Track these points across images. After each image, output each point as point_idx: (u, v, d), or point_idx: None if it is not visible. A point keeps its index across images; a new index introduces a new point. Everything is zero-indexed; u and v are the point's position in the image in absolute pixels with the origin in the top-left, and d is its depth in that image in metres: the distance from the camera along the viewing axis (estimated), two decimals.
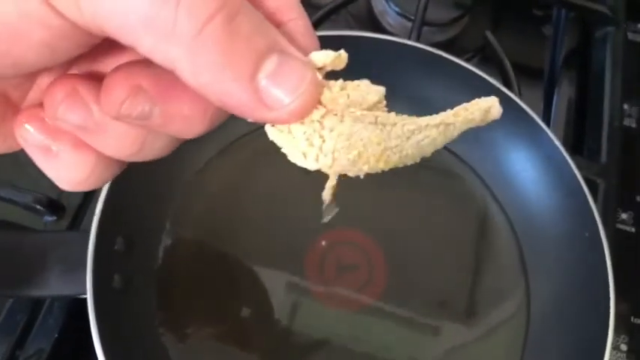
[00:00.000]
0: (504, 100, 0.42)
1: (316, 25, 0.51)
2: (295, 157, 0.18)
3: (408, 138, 0.19)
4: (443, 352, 0.38)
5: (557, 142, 0.39)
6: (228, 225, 0.41)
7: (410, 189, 0.43)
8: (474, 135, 0.44)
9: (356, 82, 0.19)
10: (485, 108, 0.21)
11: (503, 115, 0.43)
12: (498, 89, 0.43)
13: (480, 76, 0.43)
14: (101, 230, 0.35)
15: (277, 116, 0.16)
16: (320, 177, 0.20)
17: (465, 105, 0.20)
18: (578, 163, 0.45)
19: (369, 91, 0.19)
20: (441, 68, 0.44)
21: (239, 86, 0.15)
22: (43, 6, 0.15)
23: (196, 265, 0.39)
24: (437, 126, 0.20)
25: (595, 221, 0.38)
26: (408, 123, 0.19)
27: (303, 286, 0.40)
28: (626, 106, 0.53)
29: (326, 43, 0.43)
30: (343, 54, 0.19)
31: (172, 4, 0.14)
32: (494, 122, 0.41)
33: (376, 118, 0.19)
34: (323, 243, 0.41)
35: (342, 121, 0.18)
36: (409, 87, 0.45)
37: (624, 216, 0.48)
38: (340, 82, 0.19)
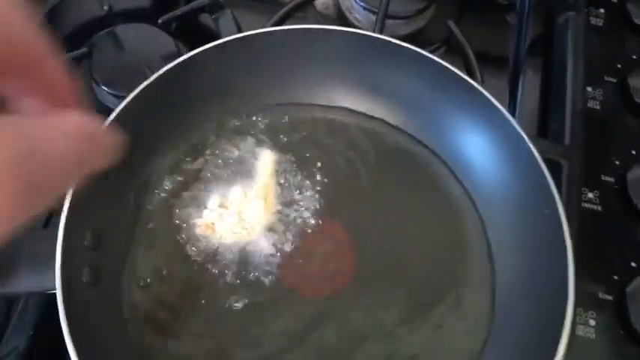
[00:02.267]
0: (467, 88, 0.44)
1: (281, 22, 0.52)
2: None
3: None
4: (411, 334, 0.39)
5: (514, 123, 0.40)
6: None
7: (377, 177, 0.44)
8: (437, 122, 0.46)
9: None
10: None
11: (465, 101, 0.44)
12: (460, 77, 0.44)
13: (443, 66, 0.44)
14: (69, 226, 0.36)
15: None
16: None
17: None
18: (542, 145, 0.46)
19: None
20: (405, 59, 0.45)
21: None
22: None
23: (167, 257, 0.40)
24: None
25: (554, 198, 0.39)
26: None
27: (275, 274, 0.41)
28: (589, 89, 0.54)
29: (292, 37, 0.44)
30: None
31: None
32: (457, 108, 0.43)
33: None
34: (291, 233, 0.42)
35: None
36: (375, 78, 0.46)
37: (590, 195, 0.49)
38: None
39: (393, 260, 0.41)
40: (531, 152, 0.39)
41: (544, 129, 0.53)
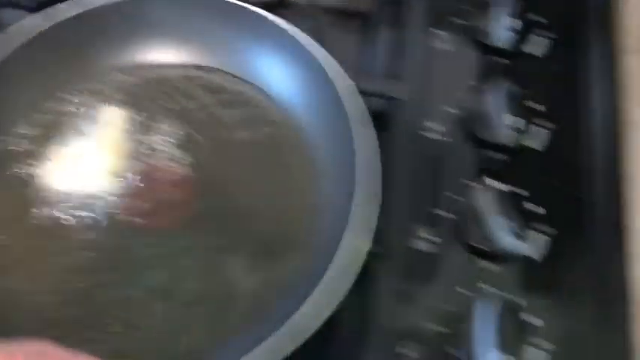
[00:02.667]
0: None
1: None
2: None
3: None
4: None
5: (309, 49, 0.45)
6: None
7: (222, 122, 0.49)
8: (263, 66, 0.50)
9: None
10: None
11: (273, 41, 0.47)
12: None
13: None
14: None
15: None
16: None
17: None
18: (381, 84, 0.51)
19: None
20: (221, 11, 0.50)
21: None
22: None
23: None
24: None
25: (349, 125, 0.43)
26: None
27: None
28: (439, 31, 0.58)
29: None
30: None
31: None
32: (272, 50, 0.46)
33: None
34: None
35: None
36: (199, 33, 0.51)
37: (431, 125, 0.53)
38: None
39: (229, 194, 0.46)
40: (331, 81, 0.44)
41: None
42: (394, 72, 0.56)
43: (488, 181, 0.48)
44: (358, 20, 0.61)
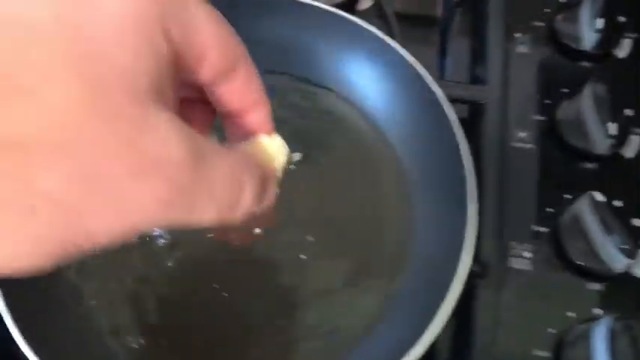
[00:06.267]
0: (370, 38, 0.45)
1: None
2: None
3: None
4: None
5: (409, 59, 0.42)
6: None
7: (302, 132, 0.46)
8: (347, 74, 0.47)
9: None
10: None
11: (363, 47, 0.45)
12: (354, 22, 0.46)
13: (340, 15, 0.46)
14: None
15: None
16: None
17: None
18: (465, 89, 0.48)
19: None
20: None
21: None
22: None
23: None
24: None
25: (454, 134, 0.40)
26: None
27: None
28: (518, 35, 0.55)
29: None
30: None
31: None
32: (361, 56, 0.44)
33: None
34: None
35: None
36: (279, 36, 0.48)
37: (522, 134, 0.49)
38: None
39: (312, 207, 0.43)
40: (429, 89, 0.40)
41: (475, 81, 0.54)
42: (474, 78, 0.53)
43: (590, 193, 0.45)
44: (430, 25, 0.58)
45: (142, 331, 0.39)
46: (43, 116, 0.16)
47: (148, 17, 0.18)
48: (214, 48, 0.21)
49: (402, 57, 0.42)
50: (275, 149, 0.27)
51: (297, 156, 0.44)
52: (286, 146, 0.27)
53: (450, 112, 0.40)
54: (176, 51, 0.20)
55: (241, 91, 0.24)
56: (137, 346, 0.38)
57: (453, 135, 0.39)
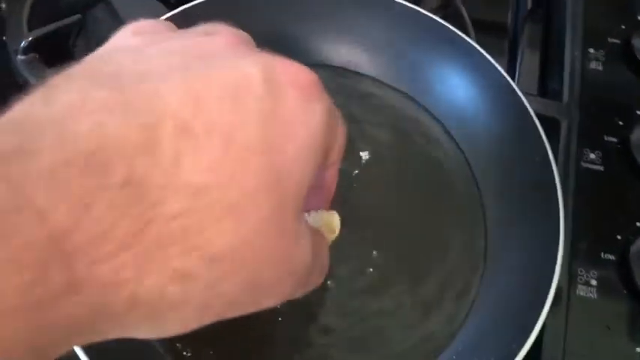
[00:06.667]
0: (461, 44, 0.43)
1: None
2: None
3: None
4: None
5: (503, 72, 0.39)
6: None
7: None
8: (430, 80, 0.45)
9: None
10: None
11: (458, 56, 0.43)
12: (454, 32, 0.44)
13: (435, 21, 0.43)
14: None
15: None
16: None
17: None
18: (539, 103, 0.45)
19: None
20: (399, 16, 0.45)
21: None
22: None
23: None
24: None
25: (544, 146, 0.38)
26: None
27: None
28: (591, 50, 0.52)
29: None
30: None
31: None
32: (449, 63, 0.42)
33: None
34: None
35: None
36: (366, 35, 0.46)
37: (592, 155, 0.47)
38: None
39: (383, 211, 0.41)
40: (521, 101, 0.38)
41: (544, 93, 0.52)
42: (543, 90, 0.50)
43: None
44: (499, 34, 0.56)
45: (190, 339, 0.37)
46: (239, 234, 0.18)
47: (322, 139, 0.21)
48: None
49: (488, 61, 0.40)
50: (332, 224, 0.30)
51: (365, 155, 0.42)
52: (339, 221, 0.31)
53: (539, 125, 0.38)
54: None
55: (324, 178, 0.26)
56: (185, 354, 0.36)
57: (543, 149, 0.36)
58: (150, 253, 0.17)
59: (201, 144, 0.17)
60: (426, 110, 0.44)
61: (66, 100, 0.17)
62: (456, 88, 0.43)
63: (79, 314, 0.16)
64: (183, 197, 0.17)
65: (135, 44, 0.21)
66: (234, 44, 0.21)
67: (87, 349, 0.30)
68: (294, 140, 0.19)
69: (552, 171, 0.36)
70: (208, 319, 0.20)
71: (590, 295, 0.42)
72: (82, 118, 0.16)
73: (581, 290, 0.42)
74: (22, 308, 0.14)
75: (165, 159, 0.17)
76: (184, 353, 0.35)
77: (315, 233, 0.23)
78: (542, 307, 0.33)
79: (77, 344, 0.19)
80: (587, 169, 0.46)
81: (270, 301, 0.21)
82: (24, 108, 0.17)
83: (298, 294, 0.23)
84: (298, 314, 0.37)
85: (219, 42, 0.21)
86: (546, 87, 0.51)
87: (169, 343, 0.36)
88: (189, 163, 0.17)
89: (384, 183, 0.41)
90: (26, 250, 0.14)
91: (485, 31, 0.55)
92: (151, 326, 0.19)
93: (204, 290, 0.18)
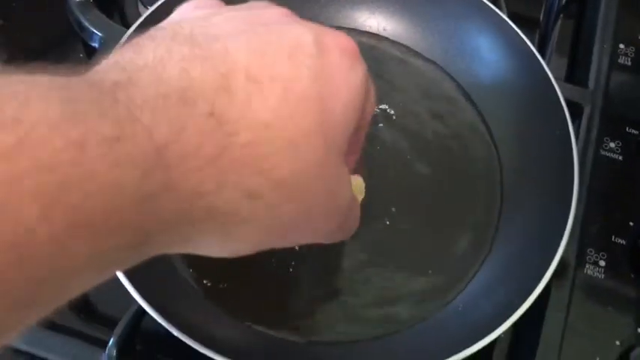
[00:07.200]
0: (494, 19, 0.44)
1: None
2: None
3: None
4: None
5: (532, 46, 0.40)
6: None
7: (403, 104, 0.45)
8: (463, 52, 0.46)
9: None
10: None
11: (487, 28, 0.44)
12: (487, 6, 0.45)
13: None
14: None
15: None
16: None
17: None
18: (565, 88, 0.46)
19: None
20: None
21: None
22: None
23: None
24: None
25: (566, 122, 0.39)
26: None
27: None
28: (622, 46, 0.53)
29: None
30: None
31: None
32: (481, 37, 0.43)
33: None
34: None
35: None
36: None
37: (612, 144, 0.48)
38: None
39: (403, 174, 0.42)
40: (547, 76, 0.39)
41: (570, 77, 0.52)
42: (569, 78, 0.51)
43: None
44: (530, 28, 0.57)
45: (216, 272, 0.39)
46: (296, 165, 0.21)
47: (361, 98, 0.24)
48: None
49: (520, 38, 0.41)
50: (360, 187, 0.34)
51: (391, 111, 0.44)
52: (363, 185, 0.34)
53: (563, 102, 0.39)
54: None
55: (355, 140, 0.28)
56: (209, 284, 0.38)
57: (565, 129, 0.38)
58: (226, 172, 0.20)
59: (266, 90, 0.21)
60: (454, 80, 0.45)
61: (156, 54, 0.20)
62: (486, 61, 0.44)
63: (170, 211, 0.19)
64: (252, 130, 0.20)
65: (202, 15, 0.24)
66: (286, 14, 0.25)
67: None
68: (338, 93, 0.23)
69: (572, 148, 0.37)
70: (268, 241, 0.23)
71: (598, 275, 0.43)
72: (170, 65, 0.20)
73: (589, 269, 0.43)
74: (135, 195, 0.18)
75: (239, 99, 0.20)
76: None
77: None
78: (546, 270, 0.35)
79: (163, 247, 0.21)
80: (606, 156, 0.47)
81: (317, 234, 0.25)
82: (122, 57, 0.21)
83: (336, 237, 0.26)
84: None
85: (274, 12, 0.25)
86: (573, 78, 0.52)
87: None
88: (257, 104, 0.20)
89: (407, 143, 0.43)
90: (139, 154, 0.18)
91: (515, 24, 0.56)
92: (222, 241, 0.22)
93: (267, 209, 0.21)
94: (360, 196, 0.34)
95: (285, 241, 0.24)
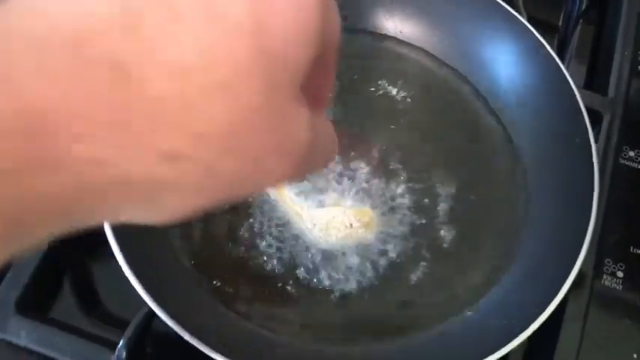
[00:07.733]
0: (516, 25, 0.44)
1: None
2: None
3: None
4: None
5: (551, 51, 0.40)
6: None
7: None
8: (480, 57, 0.46)
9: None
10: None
11: (512, 36, 0.43)
12: (511, 14, 0.44)
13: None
14: None
15: None
16: None
17: None
18: (585, 95, 0.46)
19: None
20: None
21: None
22: None
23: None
24: None
25: (587, 130, 0.38)
26: None
27: None
28: None
29: None
30: None
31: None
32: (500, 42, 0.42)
33: None
34: None
35: None
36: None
37: (632, 153, 0.47)
38: None
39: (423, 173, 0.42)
40: (567, 82, 0.38)
41: (589, 84, 0.52)
42: (588, 84, 0.51)
43: None
44: (550, 34, 0.56)
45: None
46: (229, 113, 0.18)
47: (316, 9, 0.19)
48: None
49: (542, 45, 0.40)
50: (369, 219, 0.34)
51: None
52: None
53: (584, 112, 0.38)
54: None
55: (320, 68, 0.23)
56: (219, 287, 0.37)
57: (585, 137, 0.37)
58: (134, 134, 0.17)
59: (183, 23, 0.17)
60: (471, 85, 0.44)
61: None
62: (504, 65, 0.44)
63: (64, 187, 0.16)
64: (165, 78, 0.17)
65: None
66: None
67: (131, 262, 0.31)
68: (282, 15, 0.18)
69: (592, 157, 0.37)
70: (208, 200, 0.20)
71: (615, 286, 0.42)
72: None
73: (607, 280, 0.42)
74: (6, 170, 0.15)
75: (146, 38, 0.16)
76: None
77: (319, 116, 0.23)
78: (565, 282, 0.34)
79: (71, 223, 0.18)
80: (625, 165, 0.47)
81: (271, 180, 0.21)
82: None
83: (301, 174, 0.23)
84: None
85: None
86: (592, 85, 0.51)
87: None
88: (172, 42, 0.17)
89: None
90: (8, 117, 0.15)
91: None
92: (149, 208, 0.19)
93: (196, 170, 0.18)
94: (370, 229, 0.33)
95: (234, 195, 0.21)
